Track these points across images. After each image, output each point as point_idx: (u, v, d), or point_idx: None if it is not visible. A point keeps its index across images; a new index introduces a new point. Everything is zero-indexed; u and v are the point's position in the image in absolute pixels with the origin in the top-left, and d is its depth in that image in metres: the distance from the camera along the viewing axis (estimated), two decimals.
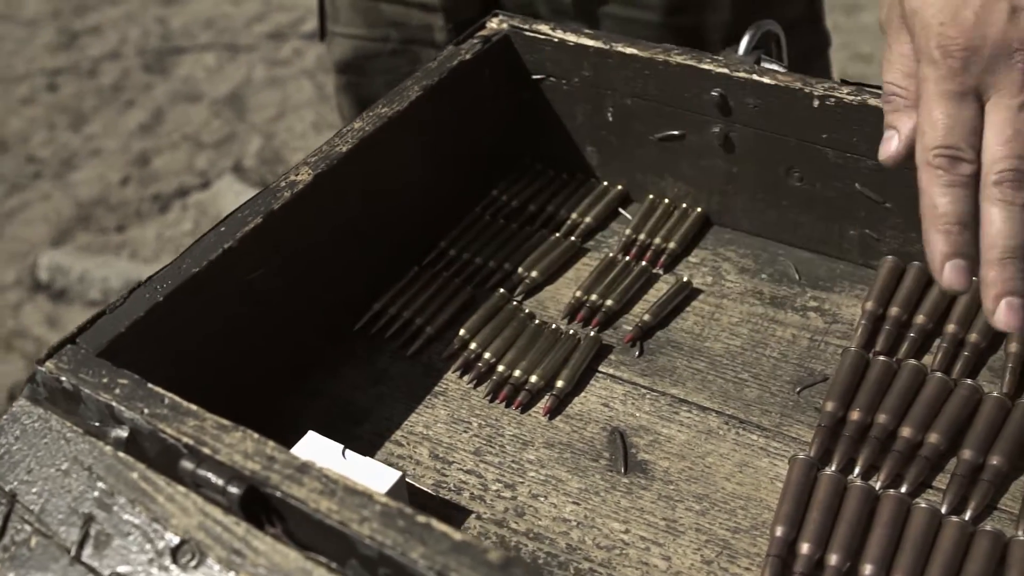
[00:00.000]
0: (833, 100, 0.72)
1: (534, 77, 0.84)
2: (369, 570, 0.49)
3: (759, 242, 0.82)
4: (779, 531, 0.60)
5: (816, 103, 0.73)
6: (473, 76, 0.81)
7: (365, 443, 0.69)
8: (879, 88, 0.71)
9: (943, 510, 0.61)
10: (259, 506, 0.52)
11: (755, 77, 0.75)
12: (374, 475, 0.62)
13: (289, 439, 0.64)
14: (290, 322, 0.72)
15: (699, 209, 0.83)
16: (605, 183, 0.87)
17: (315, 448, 0.64)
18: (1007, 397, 0.66)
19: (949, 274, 0.55)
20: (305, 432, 0.65)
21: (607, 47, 0.79)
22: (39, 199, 2.54)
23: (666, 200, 0.85)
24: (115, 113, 2.89)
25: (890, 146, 0.60)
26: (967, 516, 0.61)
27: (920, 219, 0.56)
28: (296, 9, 3.30)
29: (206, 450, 0.52)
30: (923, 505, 0.61)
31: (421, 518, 0.48)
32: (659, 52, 0.78)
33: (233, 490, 0.51)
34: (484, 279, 0.80)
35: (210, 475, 0.52)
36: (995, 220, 0.54)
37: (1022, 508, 0.60)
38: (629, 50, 0.79)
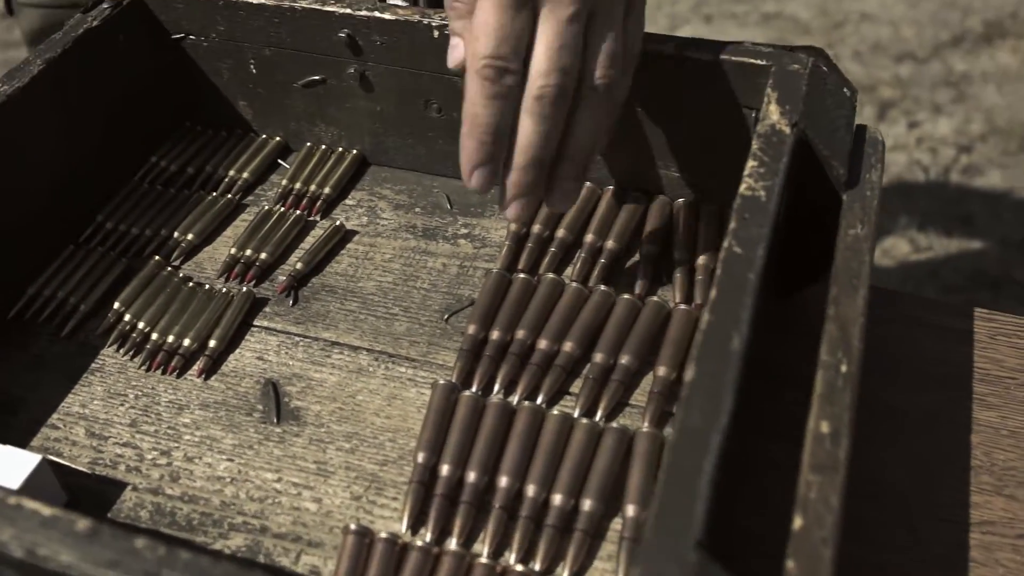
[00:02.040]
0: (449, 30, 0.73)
1: (173, 37, 0.83)
2: None
3: (414, 176, 0.83)
4: (420, 457, 0.62)
5: (436, 34, 0.74)
6: (105, 43, 0.79)
7: (21, 432, 0.68)
8: None
9: (575, 414, 0.64)
10: None
11: (377, 15, 0.75)
12: (15, 463, 0.61)
13: None
14: None
15: (355, 151, 0.84)
16: (263, 136, 0.87)
17: None
18: (638, 298, 0.70)
19: (476, 179, 0.59)
20: None
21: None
22: None
23: (323, 146, 0.85)
24: None
25: (456, 53, 0.61)
26: (598, 417, 0.64)
27: None
28: None
29: None
30: (555, 412, 0.63)
31: (13, 500, 0.48)
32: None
33: None
34: (141, 248, 0.79)
35: None
36: (528, 131, 0.57)
37: (648, 402, 0.64)
38: (257, 0, 0.78)
